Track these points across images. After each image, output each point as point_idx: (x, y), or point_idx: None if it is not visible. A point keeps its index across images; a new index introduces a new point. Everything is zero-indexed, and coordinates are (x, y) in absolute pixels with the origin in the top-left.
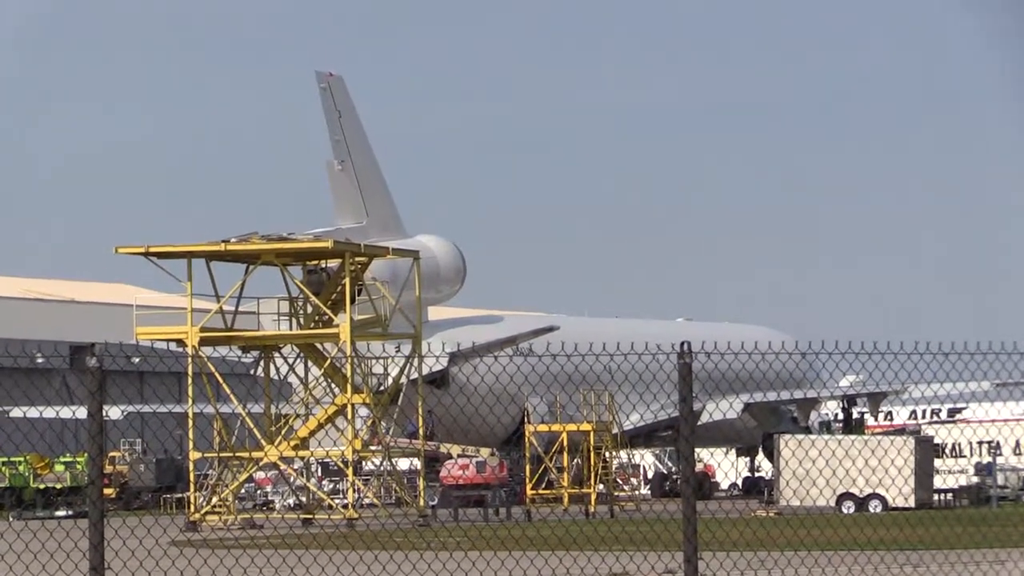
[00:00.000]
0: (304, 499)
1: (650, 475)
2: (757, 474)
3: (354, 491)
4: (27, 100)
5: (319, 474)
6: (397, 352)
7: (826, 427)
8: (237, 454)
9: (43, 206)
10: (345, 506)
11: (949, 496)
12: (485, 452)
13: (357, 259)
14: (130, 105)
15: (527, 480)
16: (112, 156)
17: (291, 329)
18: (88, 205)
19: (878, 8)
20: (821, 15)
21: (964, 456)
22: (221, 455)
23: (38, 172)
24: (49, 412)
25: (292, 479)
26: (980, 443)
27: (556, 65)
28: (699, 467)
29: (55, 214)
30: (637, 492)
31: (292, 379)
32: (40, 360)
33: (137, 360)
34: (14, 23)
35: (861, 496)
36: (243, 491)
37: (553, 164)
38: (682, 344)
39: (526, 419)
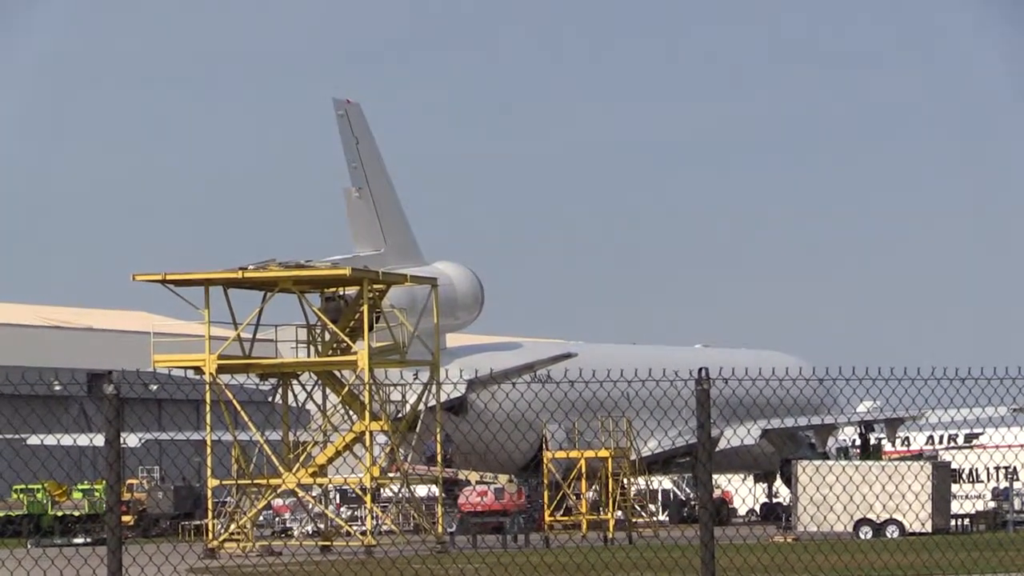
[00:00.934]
0: (322, 526)
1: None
2: (775, 500)
3: (372, 518)
4: (46, 129)
5: (337, 501)
6: (415, 379)
7: (843, 453)
8: (255, 481)
9: (61, 234)
10: (363, 533)
11: (966, 521)
12: (503, 479)
13: (375, 286)
14: (148, 133)
15: (545, 506)
16: (130, 184)
17: (309, 356)
18: (106, 233)
19: (903, 32)
20: (838, 41)
21: (981, 481)
22: (239, 482)
23: (56, 200)
24: (67, 440)
25: (310, 506)
26: (997, 468)
27: (573, 93)
28: (717, 493)
29: (73, 242)
30: (655, 518)
31: (310, 406)
32: (58, 388)
33: (155, 388)
34: (36, 53)
35: (878, 522)
36: (261, 518)
37: (571, 191)
38: (700, 370)
39: (544, 445)
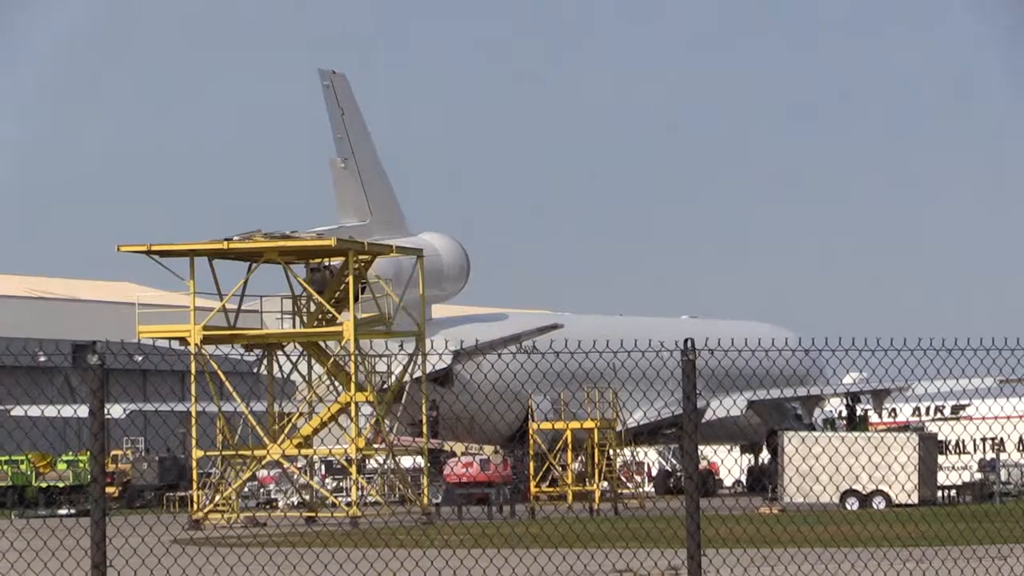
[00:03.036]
0: (307, 497)
1: (654, 472)
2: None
3: (358, 489)
4: (29, 101)
5: (323, 472)
6: (400, 350)
7: (830, 424)
8: (240, 452)
9: (45, 205)
10: (349, 504)
11: (953, 493)
12: (489, 450)
13: (360, 257)
14: (133, 103)
15: (531, 478)
16: (115, 154)
17: (294, 327)
18: (91, 203)
19: (883, 6)
20: (823, 11)
21: (968, 452)
22: (224, 454)
23: (40, 171)
24: (51, 410)
25: (295, 477)
26: (984, 439)
27: (560, 62)
28: (703, 464)
29: (58, 212)
30: (641, 489)
31: (295, 377)
32: (42, 358)
33: (140, 358)
34: (14, 25)
35: (865, 493)
36: (246, 490)
37: (558, 161)
38: (686, 341)
39: (530, 417)
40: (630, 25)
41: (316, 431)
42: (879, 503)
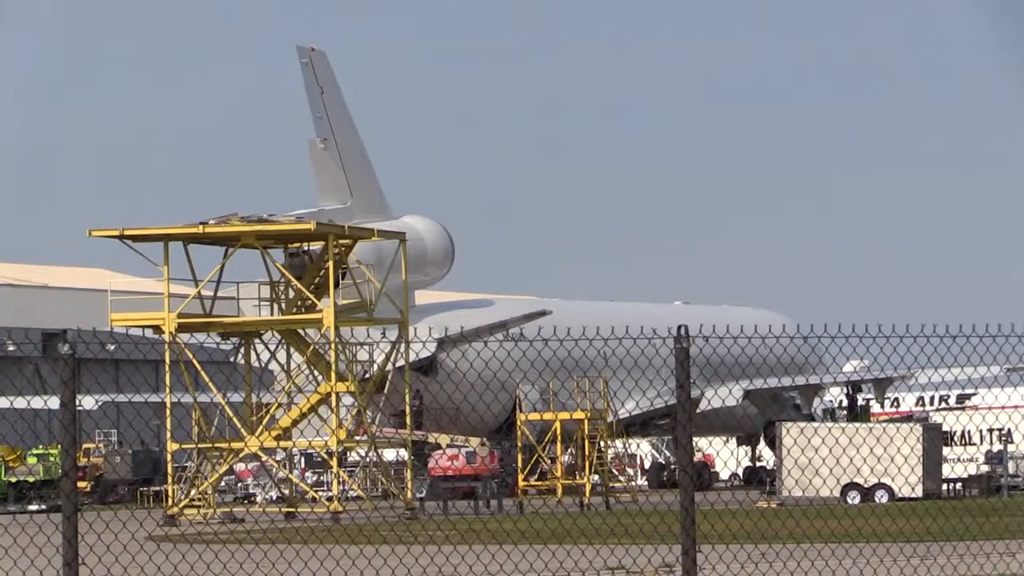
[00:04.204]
0: (287, 492)
1: (647, 465)
2: (758, 464)
3: (339, 483)
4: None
5: (302, 466)
6: (383, 338)
7: (830, 414)
8: (216, 445)
9: (14, 189)
10: (330, 499)
11: (958, 486)
12: (475, 442)
13: (341, 241)
14: (104, 84)
15: (519, 471)
16: (86, 136)
17: (272, 314)
18: (61, 187)
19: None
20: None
21: (974, 444)
22: (200, 446)
23: (8, 154)
24: (20, 402)
25: (274, 471)
26: (990, 430)
27: (547, 41)
28: (698, 457)
29: (27, 197)
30: (633, 483)
31: (273, 367)
32: (11, 348)
33: (112, 347)
34: None
35: (867, 486)
36: (223, 484)
37: (545, 144)
38: (679, 328)
39: (517, 407)
40: (621, 5)
41: (295, 423)
42: (881, 497)
